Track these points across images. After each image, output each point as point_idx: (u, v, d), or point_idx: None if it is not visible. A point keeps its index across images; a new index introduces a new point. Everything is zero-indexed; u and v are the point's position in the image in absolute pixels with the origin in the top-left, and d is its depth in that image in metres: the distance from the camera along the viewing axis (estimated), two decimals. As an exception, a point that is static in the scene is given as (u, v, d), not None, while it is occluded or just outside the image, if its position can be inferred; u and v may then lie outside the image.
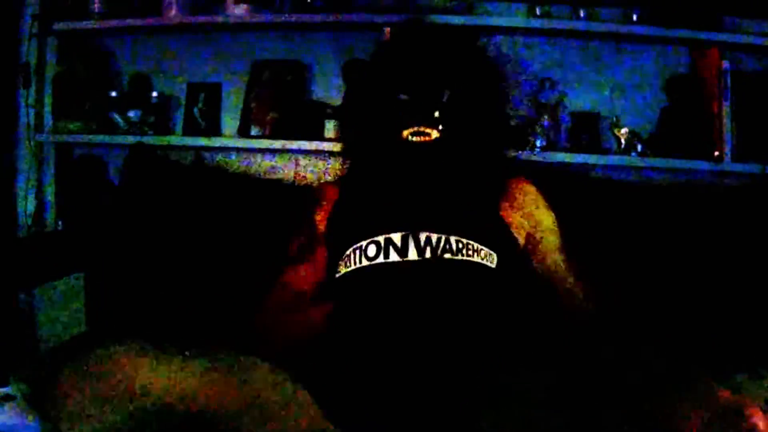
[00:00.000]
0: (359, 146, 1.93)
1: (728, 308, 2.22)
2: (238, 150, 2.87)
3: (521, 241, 1.87)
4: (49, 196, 3.02)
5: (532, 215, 1.90)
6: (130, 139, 2.77)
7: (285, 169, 2.83)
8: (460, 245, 1.72)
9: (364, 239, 1.77)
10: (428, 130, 1.78)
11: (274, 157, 2.85)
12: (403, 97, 1.81)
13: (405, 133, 1.78)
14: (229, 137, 2.89)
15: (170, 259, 2.43)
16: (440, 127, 1.79)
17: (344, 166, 2.01)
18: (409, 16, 2.39)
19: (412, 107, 1.80)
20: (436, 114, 1.80)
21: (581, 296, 1.84)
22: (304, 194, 2.19)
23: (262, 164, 2.85)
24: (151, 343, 1.35)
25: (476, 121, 1.85)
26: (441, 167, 1.81)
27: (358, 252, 1.77)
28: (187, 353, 1.36)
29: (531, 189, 1.95)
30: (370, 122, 1.88)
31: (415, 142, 1.78)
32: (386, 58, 1.92)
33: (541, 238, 1.89)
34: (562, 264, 1.88)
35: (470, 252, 1.73)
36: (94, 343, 1.34)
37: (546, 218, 1.92)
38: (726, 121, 2.55)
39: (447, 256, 1.71)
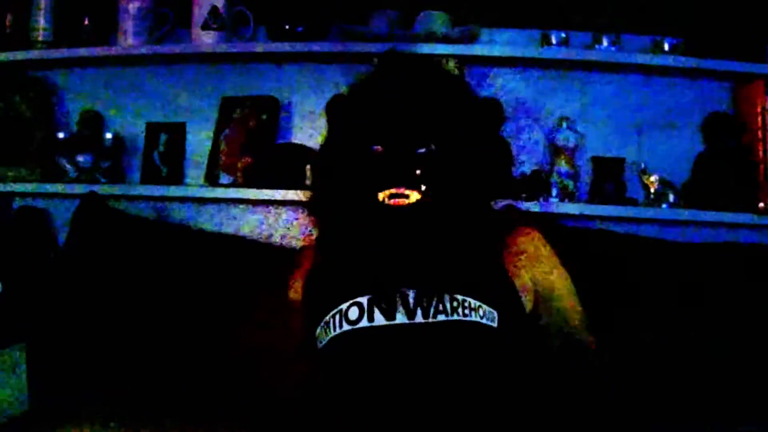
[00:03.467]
0: (328, 204, 1.85)
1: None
2: (205, 201, 2.79)
3: (529, 303, 1.81)
4: (-16, 255, 2.88)
5: (541, 273, 1.83)
6: (80, 189, 2.70)
7: (260, 223, 2.76)
8: (455, 303, 1.68)
9: (345, 301, 1.73)
10: (407, 192, 1.69)
11: (247, 208, 2.78)
12: (378, 148, 1.73)
13: (381, 195, 1.70)
14: (194, 186, 2.82)
15: (125, 326, 2.40)
16: (422, 188, 1.70)
17: (315, 225, 1.94)
18: (397, 45, 2.35)
19: (388, 163, 1.72)
20: (417, 172, 1.71)
21: (594, 353, 1.82)
22: (281, 256, 2.22)
23: (233, 217, 2.78)
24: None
25: (466, 175, 1.76)
26: (424, 230, 1.73)
27: (338, 316, 1.73)
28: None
29: (538, 239, 1.87)
30: (341, 177, 1.80)
31: (393, 206, 1.70)
32: (361, 98, 1.83)
33: (555, 298, 1.83)
34: (577, 322, 1.84)
35: (467, 311, 1.68)
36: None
37: (559, 279, 1.85)
38: (772, 168, 2.54)
39: (441, 317, 1.67)
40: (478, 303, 1.70)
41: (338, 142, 1.84)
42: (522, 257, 1.82)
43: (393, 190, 1.70)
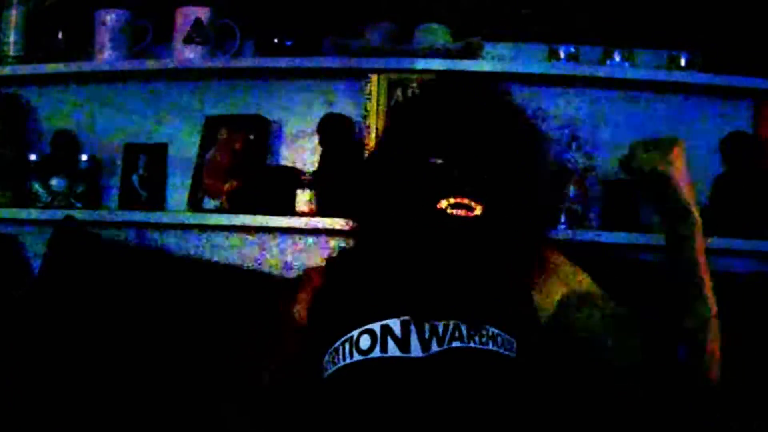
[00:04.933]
0: (378, 211, 1.82)
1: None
2: (189, 227, 2.74)
3: (548, 312, 1.80)
4: (-52, 286, 2.84)
5: (568, 282, 1.83)
6: (54, 214, 2.66)
7: (247, 251, 2.72)
8: (473, 331, 1.68)
9: (356, 328, 1.71)
10: (472, 204, 1.68)
11: (233, 235, 2.74)
12: (437, 161, 1.72)
13: (443, 203, 1.68)
14: (176, 211, 2.78)
15: (104, 363, 2.35)
16: (484, 202, 1.69)
17: (338, 248, 1.94)
18: (394, 60, 2.48)
19: (451, 173, 1.71)
20: (482, 186, 1.71)
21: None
22: (273, 284, 2.26)
23: (218, 244, 2.74)
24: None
25: (521, 194, 1.76)
26: (477, 247, 1.71)
27: (348, 345, 1.70)
28: None
29: (563, 260, 1.88)
30: (396, 184, 1.77)
31: (455, 216, 1.68)
32: (419, 110, 1.83)
33: (583, 296, 1.81)
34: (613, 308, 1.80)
35: (484, 338, 1.67)
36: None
37: (586, 281, 1.84)
38: (797, 192, 2.52)
39: (456, 344, 1.67)
40: (496, 331, 1.68)
41: (392, 152, 1.83)
42: (552, 275, 1.82)
43: (457, 199, 1.68)
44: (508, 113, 1.83)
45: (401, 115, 1.93)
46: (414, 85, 2.45)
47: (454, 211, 1.68)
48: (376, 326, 1.69)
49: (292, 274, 2.54)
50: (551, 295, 1.81)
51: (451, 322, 1.67)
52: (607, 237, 2.47)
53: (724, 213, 2.48)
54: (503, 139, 1.76)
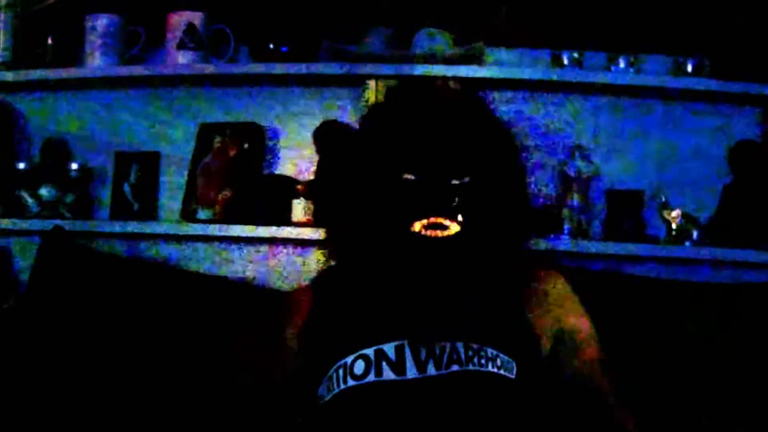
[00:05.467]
0: (348, 238, 1.81)
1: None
2: (182, 238, 2.73)
3: (546, 343, 1.79)
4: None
5: (565, 316, 1.81)
6: (43, 225, 2.63)
7: (242, 263, 2.71)
8: (470, 353, 1.65)
9: (350, 354, 1.69)
10: (447, 223, 1.66)
11: (227, 246, 2.73)
12: (409, 177, 1.69)
13: (417, 225, 1.66)
14: (169, 222, 2.77)
15: (92, 378, 2.34)
16: (459, 218, 1.67)
17: (321, 263, 1.89)
18: (393, 67, 2.45)
19: (424, 192, 1.68)
20: (456, 201, 1.68)
21: (614, 403, 1.75)
22: (267, 300, 2.24)
23: (212, 256, 2.73)
24: None
25: (500, 207, 1.75)
26: (457, 266, 1.69)
27: (342, 371, 1.68)
28: None
29: (561, 283, 1.87)
30: (367, 205, 1.75)
31: (430, 237, 1.66)
32: (382, 124, 1.81)
33: (578, 341, 1.80)
34: (597, 369, 1.79)
35: (483, 360, 1.65)
36: None
37: (581, 319, 1.83)
38: (807, 201, 2.54)
39: (455, 367, 1.64)
40: (495, 352, 1.67)
41: (362, 169, 1.80)
42: (545, 300, 1.80)
43: (431, 219, 1.66)
44: (480, 120, 1.81)
45: (370, 125, 1.89)
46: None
47: (429, 233, 1.67)
48: (369, 351, 1.67)
49: (288, 286, 2.53)
50: (549, 327, 1.79)
51: (448, 344, 1.66)
52: (611, 248, 2.47)
53: (733, 223, 2.49)
54: (475, 146, 1.74)
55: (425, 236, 1.66)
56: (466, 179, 1.70)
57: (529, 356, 1.73)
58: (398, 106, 1.86)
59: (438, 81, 2.09)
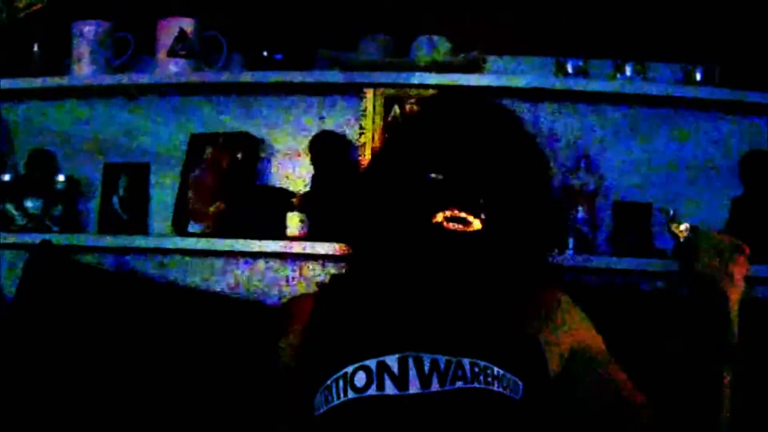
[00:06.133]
0: (368, 237, 1.82)
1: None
2: (172, 252, 2.72)
3: (555, 364, 1.78)
4: None
5: (576, 334, 1.81)
6: (29, 238, 2.64)
7: (234, 278, 2.70)
8: (476, 369, 1.64)
9: (350, 364, 1.68)
10: (469, 218, 1.67)
11: (220, 260, 2.72)
12: (435, 176, 1.71)
13: (439, 216, 1.67)
14: (159, 235, 2.76)
15: (82, 393, 2.35)
16: (483, 217, 1.67)
17: (332, 273, 1.96)
18: (391, 75, 2.47)
19: (448, 187, 1.70)
20: (481, 201, 1.69)
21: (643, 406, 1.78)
22: (262, 313, 2.31)
23: (203, 270, 2.72)
24: None
25: (525, 216, 1.75)
26: (475, 265, 1.71)
27: (341, 382, 1.67)
28: None
29: (566, 301, 1.86)
30: (389, 200, 1.77)
31: (452, 230, 1.67)
32: (418, 125, 1.84)
33: (593, 355, 1.81)
34: (621, 378, 1.81)
35: (489, 378, 1.64)
36: None
37: (591, 334, 1.83)
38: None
39: (459, 384, 1.63)
40: (502, 371, 1.66)
41: (388, 168, 1.82)
42: (553, 320, 1.79)
43: (454, 212, 1.66)
44: (508, 128, 1.81)
45: (399, 131, 1.93)
46: (412, 101, 2.46)
47: (451, 225, 1.67)
48: (371, 363, 1.66)
49: (282, 302, 2.51)
50: (558, 345, 1.79)
51: (453, 359, 1.65)
52: (618, 263, 2.46)
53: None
54: (503, 153, 1.75)
55: (446, 228, 1.67)
56: (490, 181, 1.70)
57: (537, 377, 1.71)
58: (430, 113, 1.87)
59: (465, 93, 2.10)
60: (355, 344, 1.72)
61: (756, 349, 2.30)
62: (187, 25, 2.60)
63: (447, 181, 1.72)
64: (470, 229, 1.67)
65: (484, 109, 1.84)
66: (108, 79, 2.68)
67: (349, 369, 1.67)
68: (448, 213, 1.67)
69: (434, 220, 1.68)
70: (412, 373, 1.65)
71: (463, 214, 1.68)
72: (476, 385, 1.64)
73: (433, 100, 2.05)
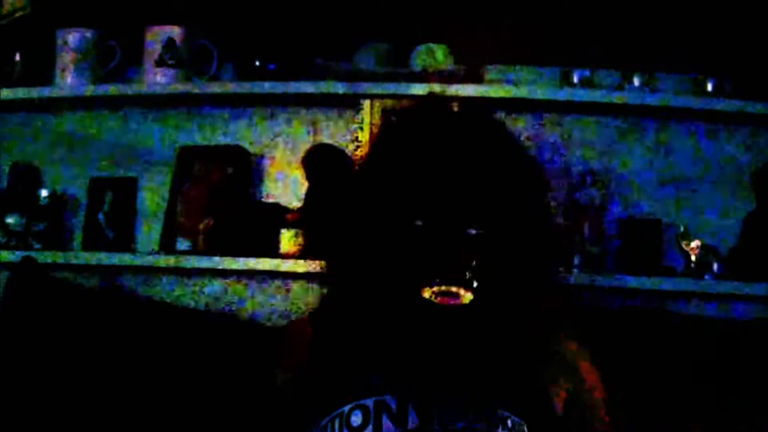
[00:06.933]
0: (353, 281, 1.75)
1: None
2: (160, 270, 2.69)
3: (559, 403, 1.74)
4: None
5: (575, 370, 1.77)
6: (11, 256, 2.63)
7: (225, 297, 2.68)
8: (480, 410, 1.61)
9: (347, 402, 1.64)
10: (460, 292, 1.60)
11: (209, 279, 2.70)
12: (419, 223, 1.64)
13: (427, 292, 1.60)
14: (146, 253, 2.73)
15: (65, 415, 2.33)
16: (474, 285, 1.60)
17: (320, 296, 1.89)
18: (389, 85, 2.45)
19: (435, 245, 1.62)
20: (472, 262, 1.61)
21: None
22: (253, 336, 2.32)
23: (192, 289, 2.68)
24: None
25: (522, 263, 1.68)
26: (470, 335, 1.66)
27: (338, 421, 1.64)
28: None
29: (572, 342, 1.82)
30: (373, 253, 1.69)
31: (440, 305, 1.61)
32: (387, 157, 1.75)
33: (587, 398, 1.77)
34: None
35: (492, 420, 1.60)
36: None
37: (591, 373, 1.79)
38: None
39: (460, 425, 1.59)
40: (506, 413, 1.61)
41: (364, 209, 1.73)
42: (557, 358, 1.75)
43: (442, 288, 1.60)
44: (501, 153, 1.73)
45: (373, 157, 1.84)
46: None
47: (440, 300, 1.61)
48: (369, 402, 1.62)
49: (275, 322, 2.54)
50: (562, 385, 1.74)
51: (457, 397, 1.61)
52: (626, 281, 2.44)
53: (757, 254, 2.44)
54: (496, 188, 1.67)
55: (434, 304, 1.62)
56: (483, 229, 1.65)
57: (542, 418, 1.69)
58: (405, 135, 1.78)
59: (450, 102, 1.94)
60: (353, 381, 1.69)
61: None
62: (176, 33, 2.59)
63: (432, 232, 1.64)
64: (460, 302, 1.62)
65: (467, 128, 1.76)
66: (93, 90, 2.67)
67: (346, 408, 1.65)
68: (435, 289, 1.62)
69: (422, 294, 1.63)
70: (412, 412, 1.62)
71: (453, 289, 1.62)
72: (478, 426, 1.61)
73: (405, 117, 1.93)
